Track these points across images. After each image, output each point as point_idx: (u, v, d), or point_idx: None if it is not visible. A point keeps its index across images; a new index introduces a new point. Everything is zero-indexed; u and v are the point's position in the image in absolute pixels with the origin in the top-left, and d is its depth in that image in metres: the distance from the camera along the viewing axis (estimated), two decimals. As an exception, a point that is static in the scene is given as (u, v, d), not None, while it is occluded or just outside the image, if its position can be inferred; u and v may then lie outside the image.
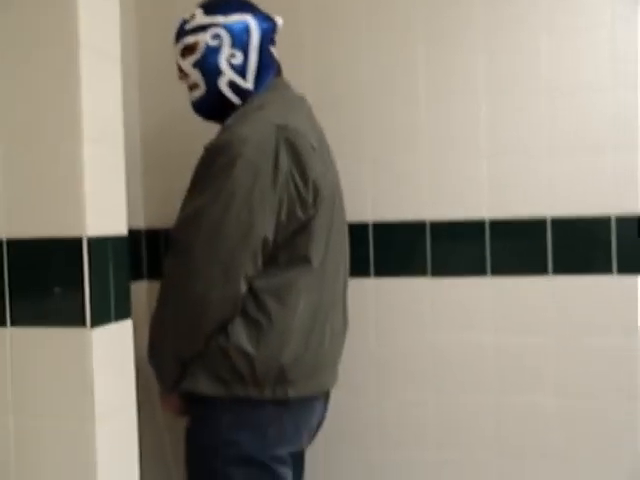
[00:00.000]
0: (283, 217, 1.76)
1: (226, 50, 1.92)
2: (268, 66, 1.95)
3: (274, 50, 1.96)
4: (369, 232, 2.35)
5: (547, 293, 2.21)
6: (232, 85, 1.92)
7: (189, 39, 1.94)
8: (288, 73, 2.04)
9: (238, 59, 1.92)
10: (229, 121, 1.84)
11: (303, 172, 1.76)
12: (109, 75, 1.52)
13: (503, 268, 2.24)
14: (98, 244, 1.44)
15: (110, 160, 1.51)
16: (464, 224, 2.26)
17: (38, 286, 1.46)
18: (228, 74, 1.92)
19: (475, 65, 2.25)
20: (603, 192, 2.14)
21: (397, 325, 2.35)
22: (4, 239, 1.44)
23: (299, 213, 1.77)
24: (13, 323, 1.46)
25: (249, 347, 1.75)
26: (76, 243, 1.41)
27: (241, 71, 1.92)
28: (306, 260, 1.81)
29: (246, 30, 1.92)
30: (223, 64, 1.92)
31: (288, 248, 1.80)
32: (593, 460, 2.18)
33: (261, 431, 1.80)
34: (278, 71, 1.99)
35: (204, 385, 1.79)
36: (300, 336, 1.80)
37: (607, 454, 2.17)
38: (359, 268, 2.30)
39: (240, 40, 1.91)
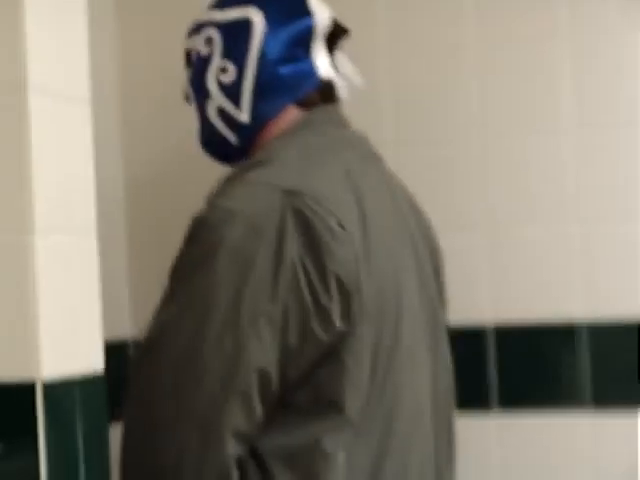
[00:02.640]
0: (293, 338, 1.23)
1: (216, 61, 1.40)
2: (282, 87, 1.39)
3: (320, 58, 1.40)
4: (488, 343, 1.77)
5: None
6: (222, 113, 1.41)
7: (186, 44, 1.52)
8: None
9: (230, 75, 1.37)
10: (223, 181, 1.36)
11: (322, 265, 1.21)
12: (72, 131, 1.12)
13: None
14: (57, 391, 1.08)
15: (84, 253, 1.14)
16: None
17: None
18: (217, 98, 1.41)
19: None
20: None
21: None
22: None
23: (318, 331, 1.22)
24: None
25: None
26: (28, 390, 1.06)
27: (233, 94, 1.38)
28: (336, 407, 1.26)
29: (246, 30, 1.38)
30: (211, 82, 1.41)
31: (306, 388, 1.27)
32: None
33: None
34: (326, 94, 1.41)
35: None
36: None
37: None
38: (474, 399, 1.73)
39: (235, 46, 1.39)
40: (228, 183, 1.29)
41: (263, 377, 1.19)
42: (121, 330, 1.83)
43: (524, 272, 1.74)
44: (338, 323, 1.19)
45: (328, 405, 1.23)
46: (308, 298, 1.19)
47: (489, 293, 1.78)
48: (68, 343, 1.06)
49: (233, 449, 1.19)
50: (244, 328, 1.18)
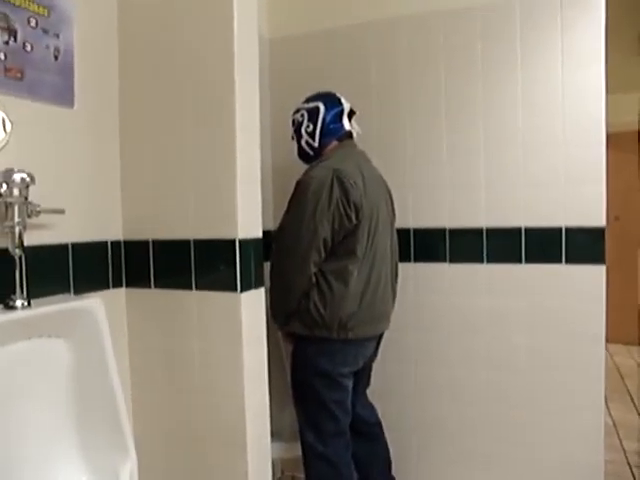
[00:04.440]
0: (336, 226, 1.94)
1: (305, 123, 2.18)
2: (331, 133, 2.16)
3: (346, 122, 2.19)
4: (410, 234, 2.58)
5: (521, 275, 2.42)
6: (307, 143, 2.18)
7: (292, 116, 2.29)
8: (361, 136, 2.30)
9: (310, 128, 2.16)
10: (309, 167, 2.10)
11: (347, 198, 1.93)
12: (251, 145, 1.68)
13: (494, 258, 2.46)
14: (245, 243, 1.62)
15: (254, 193, 1.70)
16: (470, 230, 2.48)
17: (211, 267, 1.61)
18: (305, 137, 2.19)
19: (477, 133, 2.47)
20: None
21: (427, 292, 2.57)
22: (191, 239, 1.63)
23: (346, 223, 1.95)
24: (197, 288, 1.64)
25: (320, 307, 1.94)
26: (232, 242, 1.59)
27: (312, 136, 2.16)
28: (353, 253, 1.98)
29: (316, 112, 2.16)
30: (302, 131, 2.20)
31: (342, 246, 1.98)
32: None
33: (331, 357, 2.01)
34: (348, 135, 2.22)
35: (298, 328, 2.04)
36: (353, 300, 1.97)
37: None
38: (405, 257, 2.54)
39: (312, 118, 2.16)
40: (310, 168, 2.07)
41: (325, 241, 1.93)
42: (267, 225, 2.31)
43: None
44: (354, 220, 1.94)
45: (350, 252, 1.96)
46: (342, 211, 1.92)
47: (411, 214, 2.51)
48: (249, 224, 1.62)
49: (313, 268, 1.95)
50: (317, 221, 1.92)
